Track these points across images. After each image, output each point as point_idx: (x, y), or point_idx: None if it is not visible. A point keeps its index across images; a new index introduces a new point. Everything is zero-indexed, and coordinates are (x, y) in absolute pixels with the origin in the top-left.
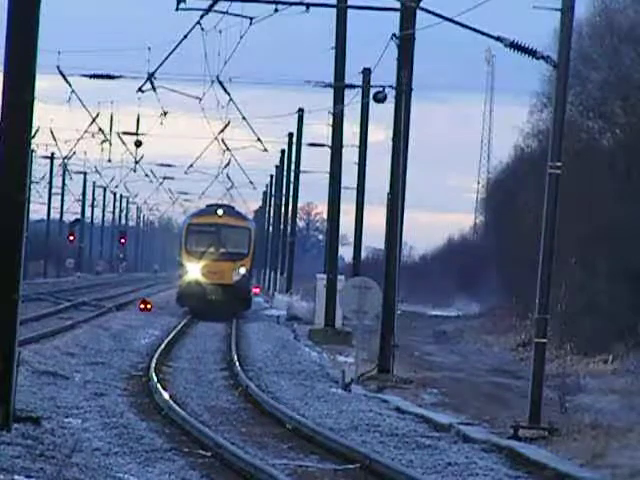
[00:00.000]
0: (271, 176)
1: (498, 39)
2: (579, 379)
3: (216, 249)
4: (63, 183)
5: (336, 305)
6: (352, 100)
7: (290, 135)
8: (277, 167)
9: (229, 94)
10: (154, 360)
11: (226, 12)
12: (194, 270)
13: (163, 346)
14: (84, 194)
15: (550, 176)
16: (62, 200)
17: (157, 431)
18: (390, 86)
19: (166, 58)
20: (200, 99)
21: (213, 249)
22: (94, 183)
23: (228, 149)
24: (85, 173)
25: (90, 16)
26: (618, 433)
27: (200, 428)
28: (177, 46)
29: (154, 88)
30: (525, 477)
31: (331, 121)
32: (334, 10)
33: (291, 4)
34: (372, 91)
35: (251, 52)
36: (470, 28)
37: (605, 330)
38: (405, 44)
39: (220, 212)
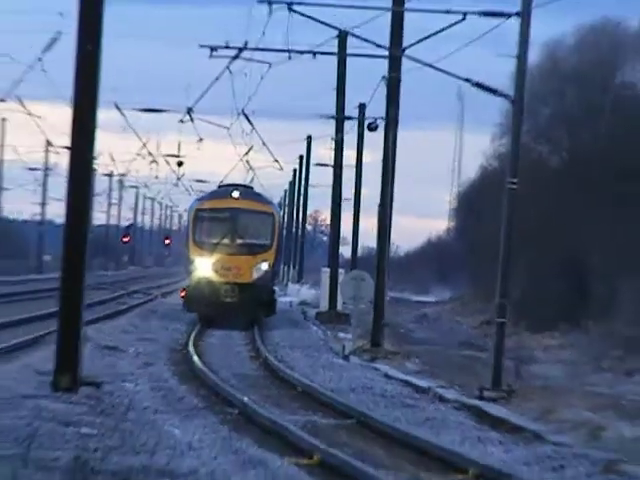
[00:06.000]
0: (285, 190)
1: (467, 80)
2: (532, 351)
3: (232, 240)
4: (119, 195)
5: (337, 292)
6: (351, 129)
7: (301, 157)
8: (290, 183)
9: (252, 124)
10: (192, 337)
11: (250, 59)
12: (204, 267)
13: (199, 326)
14: (136, 204)
15: (509, 190)
16: (119, 209)
17: (194, 393)
18: (381, 117)
19: (202, 95)
20: (228, 128)
21: (228, 240)
22: (144, 195)
23: (251, 168)
24: (137, 187)
25: (142, 60)
26: (563, 394)
27: (229, 390)
28: (210, 86)
29: (192, 119)
30: (489, 430)
31: (333, 146)
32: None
33: (302, 52)
34: (366, 122)
35: (270, 90)
36: (445, 72)
37: (552, 312)
38: (392, 84)
39: (236, 194)
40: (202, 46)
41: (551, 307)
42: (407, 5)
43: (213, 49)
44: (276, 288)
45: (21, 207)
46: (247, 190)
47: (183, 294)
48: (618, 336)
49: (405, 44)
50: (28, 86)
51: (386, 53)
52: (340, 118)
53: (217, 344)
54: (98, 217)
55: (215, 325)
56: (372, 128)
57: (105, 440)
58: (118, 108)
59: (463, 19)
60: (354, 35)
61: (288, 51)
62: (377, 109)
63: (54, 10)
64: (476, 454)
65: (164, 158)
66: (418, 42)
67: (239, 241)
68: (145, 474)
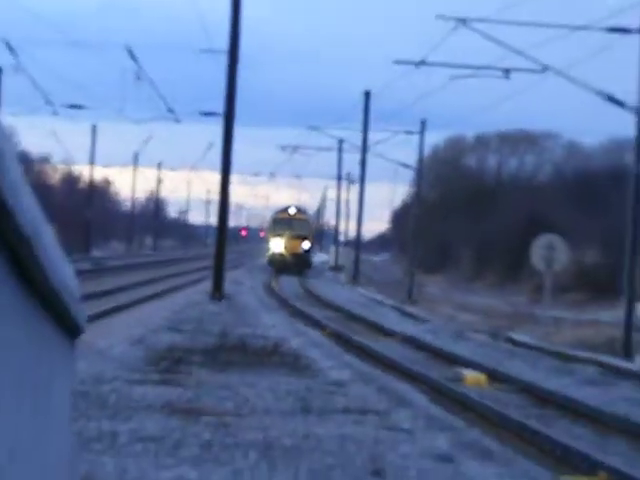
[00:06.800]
0: (315, 210)
1: (398, 162)
2: (426, 283)
3: (290, 232)
4: (241, 214)
5: (338, 257)
6: (345, 181)
7: (322, 195)
8: (318, 208)
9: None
10: (272, 278)
11: (303, 153)
12: (277, 245)
13: (274, 274)
14: (248, 217)
15: (413, 213)
16: (239, 219)
17: (274, 301)
18: (357, 177)
19: (274, 172)
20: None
21: (288, 232)
22: (251, 213)
23: (299, 202)
24: (248, 209)
25: (248, 153)
26: (439, 302)
27: (290, 301)
28: (276, 170)
29: (274, 177)
30: (406, 318)
31: (335, 191)
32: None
33: (324, 149)
34: (351, 180)
35: (312, 167)
36: (387, 159)
37: (435, 264)
38: (363, 164)
39: (292, 211)
40: (280, 146)
41: (434, 262)
42: (370, 130)
43: (284, 148)
44: (311, 255)
45: (197, 218)
46: (297, 207)
47: (267, 258)
48: (462, 275)
49: (370, 143)
50: (201, 163)
51: (359, 150)
52: (339, 178)
53: (284, 281)
54: (231, 223)
55: (282, 274)
56: (353, 182)
57: (234, 322)
58: (236, 173)
59: (396, 134)
60: (348, 141)
61: (319, 148)
62: (357, 173)
63: (210, 135)
64: (400, 328)
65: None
66: (376, 144)
67: (293, 233)
68: (252, 337)
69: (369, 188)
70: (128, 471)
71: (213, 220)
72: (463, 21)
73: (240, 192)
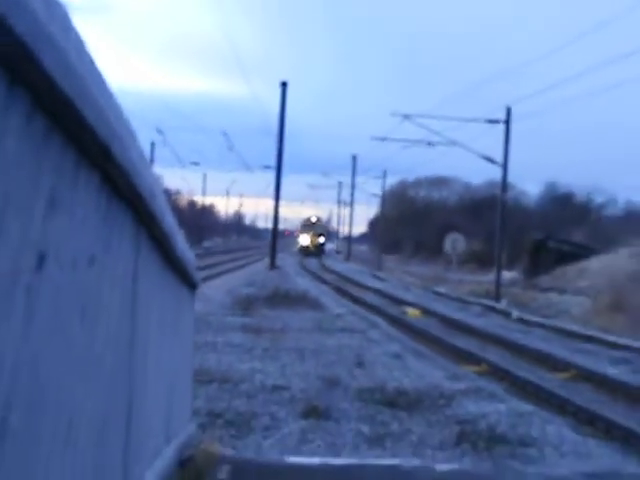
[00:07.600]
0: (326, 220)
1: (373, 194)
2: (387, 260)
3: (312, 231)
4: (286, 222)
5: (338, 246)
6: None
7: (329, 213)
8: (327, 219)
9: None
10: (302, 260)
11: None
12: (305, 239)
13: (303, 258)
14: (287, 224)
15: (379, 224)
16: (285, 227)
17: (304, 271)
18: (350, 201)
19: (303, 204)
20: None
21: (311, 231)
22: (290, 223)
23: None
24: (289, 220)
25: (291, 191)
26: (394, 271)
27: (314, 271)
28: (301, 203)
29: (303, 202)
30: (376, 279)
31: (336, 210)
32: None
33: (330, 186)
34: (348, 205)
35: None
36: (366, 192)
37: (393, 249)
38: (352, 198)
39: (313, 219)
40: (306, 184)
41: (392, 248)
42: (356, 175)
43: (309, 185)
44: (325, 246)
45: (261, 224)
46: (317, 217)
47: (298, 248)
48: (407, 255)
49: (357, 183)
50: (264, 194)
51: (350, 187)
52: (339, 202)
53: (309, 262)
54: (280, 227)
55: (307, 256)
56: (347, 205)
57: (281, 281)
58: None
59: (370, 178)
60: (344, 182)
61: (327, 186)
62: (349, 200)
63: (269, 178)
64: (371, 284)
65: (295, 212)
66: (362, 184)
67: (314, 232)
68: (292, 290)
69: (356, 208)
70: (222, 362)
71: (270, 225)
72: (408, 116)
73: (285, 210)
